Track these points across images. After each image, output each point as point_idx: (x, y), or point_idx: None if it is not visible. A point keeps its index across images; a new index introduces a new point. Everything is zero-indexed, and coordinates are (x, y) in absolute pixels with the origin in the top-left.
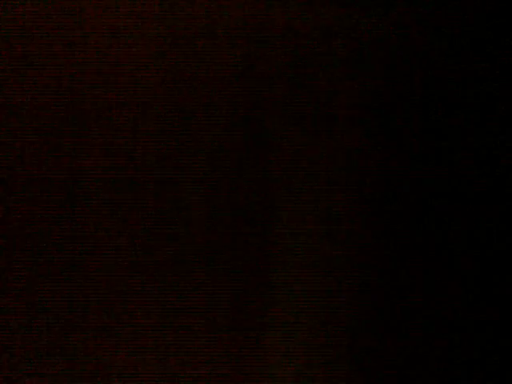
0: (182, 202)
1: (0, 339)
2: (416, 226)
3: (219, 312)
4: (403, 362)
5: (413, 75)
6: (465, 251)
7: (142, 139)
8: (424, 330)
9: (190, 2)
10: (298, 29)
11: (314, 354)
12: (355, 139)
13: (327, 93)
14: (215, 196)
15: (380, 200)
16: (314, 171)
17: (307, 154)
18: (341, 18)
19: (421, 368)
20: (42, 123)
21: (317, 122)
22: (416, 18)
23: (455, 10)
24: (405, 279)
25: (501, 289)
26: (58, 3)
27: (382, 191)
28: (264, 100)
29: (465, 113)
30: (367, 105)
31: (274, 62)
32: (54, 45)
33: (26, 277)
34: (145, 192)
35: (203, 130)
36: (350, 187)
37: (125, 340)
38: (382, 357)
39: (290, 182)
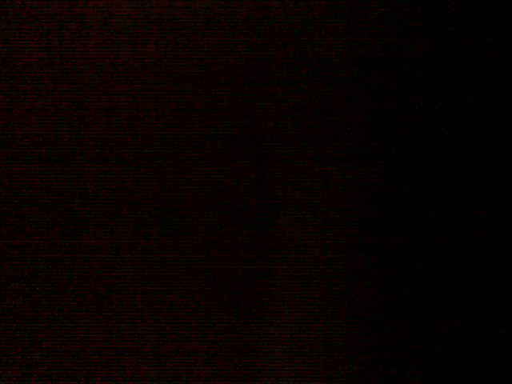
0: (182, 203)
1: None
2: (417, 226)
3: (219, 312)
4: (403, 361)
5: (413, 75)
6: (466, 251)
7: (141, 139)
8: (425, 330)
9: (190, 2)
10: (298, 28)
11: (314, 353)
12: (355, 139)
13: (327, 92)
14: (215, 197)
15: (380, 200)
16: (314, 171)
17: (307, 153)
18: (341, 18)
19: (421, 368)
20: (42, 124)
21: (317, 121)
22: (416, 18)
23: (455, 10)
24: (406, 279)
25: (501, 289)
26: (59, 4)
27: (382, 191)
28: (264, 100)
29: (466, 112)
30: (367, 104)
31: (274, 62)
32: (54, 45)
33: (25, 277)
34: (145, 192)
35: (203, 130)
36: (350, 187)
37: (124, 340)
38: (382, 356)
39: (290, 182)
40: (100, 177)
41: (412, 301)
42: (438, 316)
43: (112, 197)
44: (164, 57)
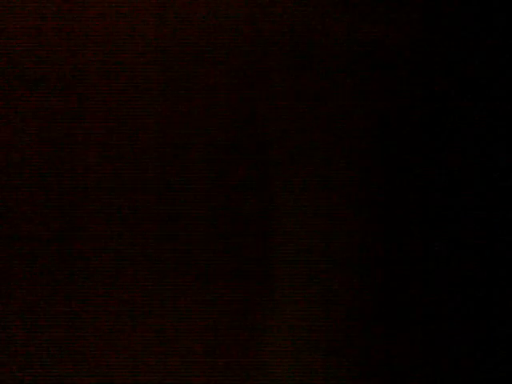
0: (181, 203)
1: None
2: (416, 225)
3: (219, 311)
4: (403, 362)
5: (414, 75)
6: (465, 250)
7: (141, 139)
8: (424, 329)
9: (190, 2)
10: (298, 29)
11: (314, 354)
12: (355, 139)
13: (327, 92)
14: (215, 197)
15: (380, 199)
16: (314, 171)
17: (307, 153)
18: (341, 18)
19: (421, 368)
20: (41, 123)
21: (317, 121)
22: (416, 18)
23: (455, 10)
24: (405, 278)
25: (501, 288)
26: (59, 3)
27: (382, 190)
28: (264, 100)
29: (466, 113)
30: (368, 104)
31: (274, 63)
32: (53, 45)
33: (26, 278)
34: (145, 193)
35: (203, 130)
36: (350, 186)
37: (125, 340)
38: (383, 357)
39: (290, 182)
40: (100, 176)
41: (412, 301)
42: (438, 316)
43: (112, 197)
44: (164, 56)
